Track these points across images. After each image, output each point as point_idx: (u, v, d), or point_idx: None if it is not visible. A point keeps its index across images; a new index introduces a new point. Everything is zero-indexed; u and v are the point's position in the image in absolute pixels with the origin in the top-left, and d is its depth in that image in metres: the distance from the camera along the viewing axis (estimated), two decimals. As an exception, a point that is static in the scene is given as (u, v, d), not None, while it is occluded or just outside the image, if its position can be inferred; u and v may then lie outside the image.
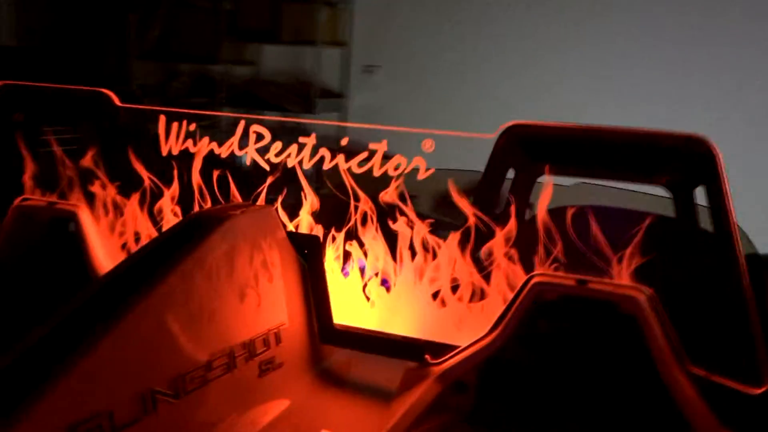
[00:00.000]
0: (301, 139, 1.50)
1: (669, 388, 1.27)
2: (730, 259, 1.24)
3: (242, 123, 1.54)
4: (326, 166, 1.48)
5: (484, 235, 1.40)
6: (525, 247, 1.36)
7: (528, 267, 1.36)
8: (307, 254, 1.45)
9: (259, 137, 1.53)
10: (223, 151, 1.56)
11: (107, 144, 1.69)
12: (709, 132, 1.27)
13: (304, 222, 1.51)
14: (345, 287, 1.51)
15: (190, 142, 1.59)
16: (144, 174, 1.65)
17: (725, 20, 4.34)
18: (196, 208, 1.62)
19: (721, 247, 1.26)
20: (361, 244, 1.49)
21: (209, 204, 1.60)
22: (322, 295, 1.47)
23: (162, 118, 1.60)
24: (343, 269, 1.51)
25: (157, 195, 1.64)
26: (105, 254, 1.63)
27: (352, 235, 1.49)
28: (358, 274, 1.50)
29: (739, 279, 1.24)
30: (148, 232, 1.65)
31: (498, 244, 1.38)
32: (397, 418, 1.33)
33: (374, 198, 1.45)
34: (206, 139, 1.57)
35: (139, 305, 1.14)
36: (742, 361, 1.25)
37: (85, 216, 1.64)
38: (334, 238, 1.52)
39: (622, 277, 1.31)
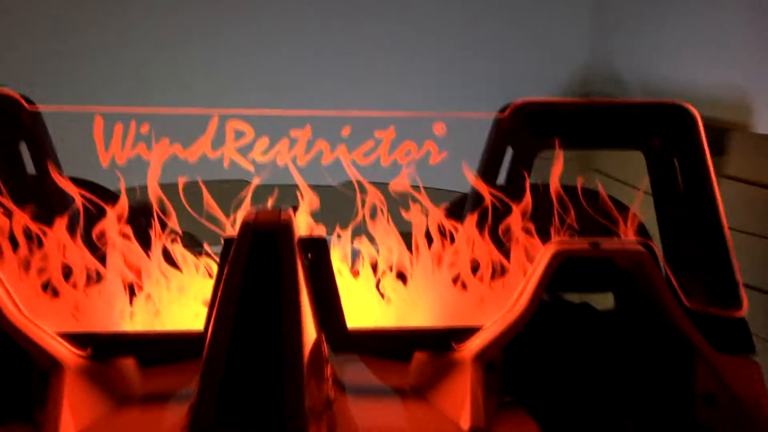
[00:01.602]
0: (293, 133, 1.36)
1: (674, 326, 1.43)
2: (714, 212, 1.45)
3: (215, 119, 1.33)
4: (326, 159, 1.36)
5: (501, 212, 1.42)
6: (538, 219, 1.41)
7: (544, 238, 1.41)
8: (313, 258, 1.33)
9: (239, 134, 1.34)
10: (191, 155, 1.34)
11: (9, 159, 1.32)
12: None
13: (302, 223, 1.37)
14: (356, 288, 1.41)
15: (142, 147, 1.32)
16: (74, 192, 1.33)
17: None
18: (157, 226, 1.36)
19: (703, 202, 1.46)
20: (372, 239, 1.40)
21: (174, 220, 1.36)
22: (334, 300, 1.36)
23: (98, 120, 1.31)
24: (352, 268, 1.41)
25: (94, 216, 1.34)
26: (16, 300, 1.28)
27: (360, 230, 1.39)
28: (370, 271, 1.41)
29: (722, 228, 1.45)
30: (84, 263, 1.34)
31: (515, 220, 1.41)
32: (472, 413, 1.29)
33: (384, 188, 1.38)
34: (165, 142, 1.33)
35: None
36: (725, 294, 1.46)
37: (-20, 256, 1.27)
38: (339, 237, 1.40)
39: (628, 235, 1.44)
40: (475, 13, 4.26)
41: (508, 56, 4.20)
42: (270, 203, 1.36)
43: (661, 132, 1.48)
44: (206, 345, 0.98)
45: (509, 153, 1.50)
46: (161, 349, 1.36)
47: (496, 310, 1.38)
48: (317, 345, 1.15)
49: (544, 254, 1.35)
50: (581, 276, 1.48)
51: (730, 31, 3.13)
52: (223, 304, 1.02)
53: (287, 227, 1.12)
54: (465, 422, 1.27)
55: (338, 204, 1.42)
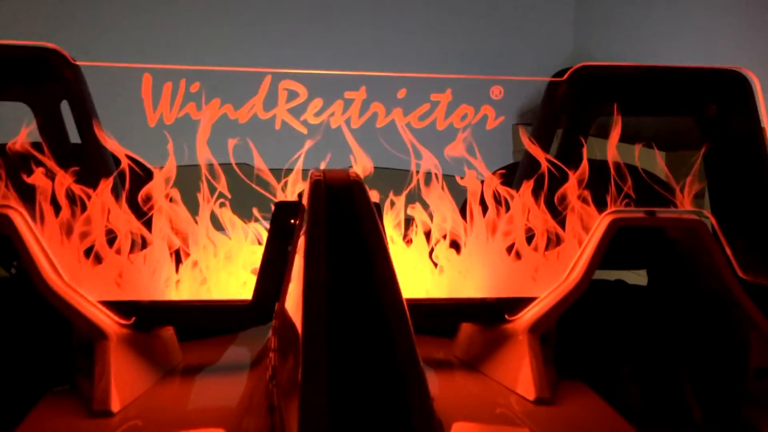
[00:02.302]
0: (348, 95, 1.31)
1: (729, 298, 1.40)
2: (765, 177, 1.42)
3: (268, 78, 1.28)
4: (381, 122, 1.32)
5: (557, 180, 1.39)
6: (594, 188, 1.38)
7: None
8: None
9: (292, 95, 1.29)
10: (242, 115, 1.28)
11: (52, 118, 1.26)
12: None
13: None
14: (408, 256, 1.37)
15: (192, 107, 1.27)
16: (120, 153, 1.27)
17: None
18: (205, 190, 1.31)
19: (757, 171, 1.43)
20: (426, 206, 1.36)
21: (223, 183, 1.31)
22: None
23: (147, 78, 1.25)
24: (405, 236, 1.36)
25: (140, 180, 1.28)
26: (57, 266, 1.22)
27: (414, 198, 1.35)
28: (423, 239, 1.36)
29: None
30: (129, 228, 1.28)
31: (571, 188, 1.38)
32: (535, 383, 1.25)
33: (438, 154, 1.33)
34: (217, 102, 1.27)
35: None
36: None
37: (20, 219, 1.20)
38: (392, 203, 1.36)
39: (684, 204, 1.41)
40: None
41: (492, 50, 4.17)
42: (323, 167, 1.31)
43: (718, 98, 1.45)
44: (300, 334, 0.89)
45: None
46: (208, 319, 1.31)
47: (550, 281, 1.34)
48: None
49: (600, 223, 1.31)
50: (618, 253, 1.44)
51: (716, 25, 3.12)
52: (310, 276, 0.92)
53: (361, 183, 1.07)
54: (528, 393, 1.24)
55: (391, 173, 1.38)
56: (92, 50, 3.26)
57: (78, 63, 1.31)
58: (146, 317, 1.27)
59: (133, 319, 1.24)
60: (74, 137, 1.41)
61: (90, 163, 1.29)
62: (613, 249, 1.32)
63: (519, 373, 1.28)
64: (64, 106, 1.36)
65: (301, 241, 0.98)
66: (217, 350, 1.45)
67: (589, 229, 1.37)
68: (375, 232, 0.97)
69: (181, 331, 1.37)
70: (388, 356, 0.77)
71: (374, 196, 1.35)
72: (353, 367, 0.76)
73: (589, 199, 1.38)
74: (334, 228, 0.97)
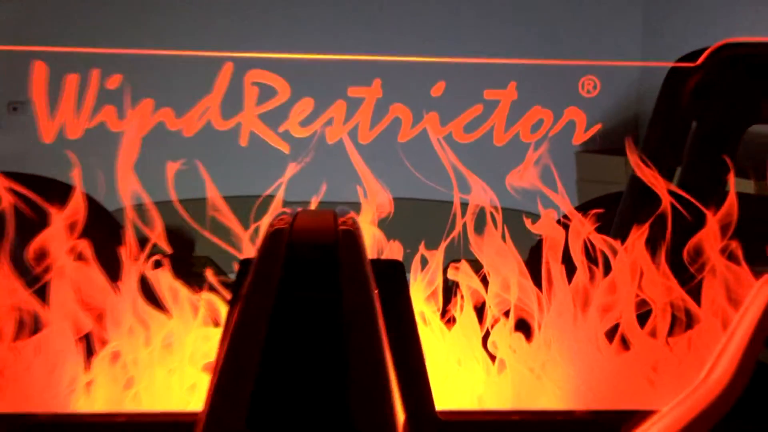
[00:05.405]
0: (353, 92, 0.85)
1: None
2: None
3: (228, 67, 0.83)
4: (404, 135, 0.85)
5: (686, 225, 0.91)
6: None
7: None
8: (382, 295, 0.83)
9: (266, 93, 0.84)
10: (188, 125, 0.83)
11: None
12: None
13: (366, 236, 0.86)
14: (450, 345, 0.90)
15: (110, 112, 0.83)
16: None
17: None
18: (131, 240, 0.86)
19: None
20: (477, 266, 0.89)
21: (159, 230, 0.86)
22: (415, 364, 0.88)
23: (39, 68, 0.82)
24: (444, 313, 0.90)
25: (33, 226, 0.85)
26: None
27: (457, 252, 0.89)
28: (473, 318, 0.89)
29: None
30: (14, 300, 0.85)
31: (711, 236, 0.90)
32: None
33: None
34: (149, 105, 0.83)
35: None
36: None
37: None
38: (424, 262, 0.90)
39: None
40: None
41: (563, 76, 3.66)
42: (315, 205, 0.85)
43: None
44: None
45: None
46: None
47: (678, 384, 0.93)
48: None
49: (759, 292, 0.90)
50: None
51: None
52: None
53: (355, 238, 0.66)
54: None
55: (420, 210, 0.92)
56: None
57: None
58: None
59: (21, 443, 0.84)
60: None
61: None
62: None
63: None
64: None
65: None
66: None
67: (740, 300, 0.94)
68: (369, 330, 0.62)
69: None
70: None
71: (395, 250, 0.90)
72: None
73: (739, 253, 0.91)
74: (289, 321, 0.55)
